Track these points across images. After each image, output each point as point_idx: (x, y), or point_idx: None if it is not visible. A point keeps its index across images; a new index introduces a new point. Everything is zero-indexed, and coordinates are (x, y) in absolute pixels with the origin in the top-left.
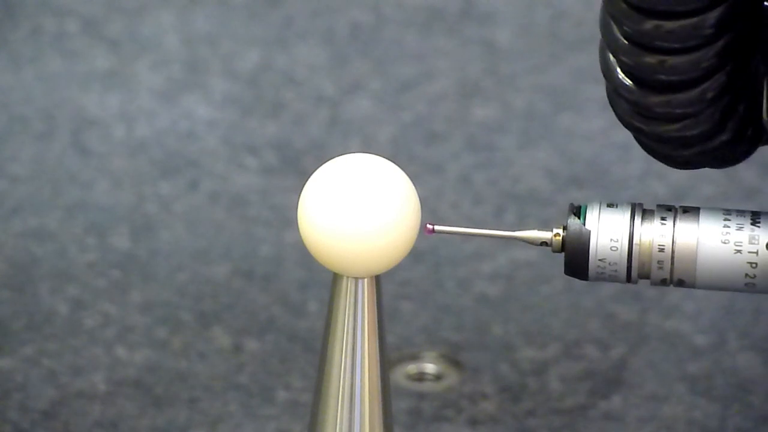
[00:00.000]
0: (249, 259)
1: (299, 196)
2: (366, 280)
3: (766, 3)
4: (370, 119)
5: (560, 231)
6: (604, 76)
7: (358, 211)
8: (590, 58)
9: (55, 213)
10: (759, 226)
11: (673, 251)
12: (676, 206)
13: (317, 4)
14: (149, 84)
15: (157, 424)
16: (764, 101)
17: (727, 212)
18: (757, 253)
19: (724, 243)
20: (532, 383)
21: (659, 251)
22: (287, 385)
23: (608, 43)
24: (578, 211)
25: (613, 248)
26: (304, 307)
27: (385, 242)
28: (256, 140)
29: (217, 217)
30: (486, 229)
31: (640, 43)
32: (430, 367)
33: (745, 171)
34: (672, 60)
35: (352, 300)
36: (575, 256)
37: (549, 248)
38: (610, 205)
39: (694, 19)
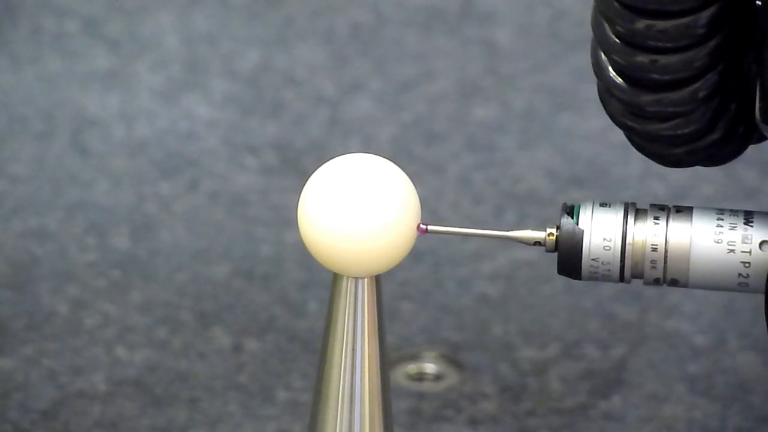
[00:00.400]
0: (249, 259)
1: (299, 196)
2: (366, 280)
3: (758, 2)
4: (370, 119)
5: (554, 230)
6: (596, 74)
7: (358, 211)
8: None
9: (55, 213)
10: (752, 226)
11: (666, 251)
12: (669, 206)
13: (317, 4)
14: (149, 84)
15: (157, 424)
16: (757, 101)
17: (720, 212)
18: (750, 252)
19: (717, 242)
20: (532, 383)
21: (652, 251)
22: (287, 385)
23: (600, 42)
24: (571, 211)
25: (606, 248)
26: (304, 307)
27: (385, 242)
28: (256, 140)
29: (217, 217)
30: (480, 228)
31: (632, 42)
32: (430, 367)
33: (745, 171)
34: (664, 59)
35: (352, 300)
36: (568, 256)
37: (543, 248)
38: (603, 205)
39: (687, 19)
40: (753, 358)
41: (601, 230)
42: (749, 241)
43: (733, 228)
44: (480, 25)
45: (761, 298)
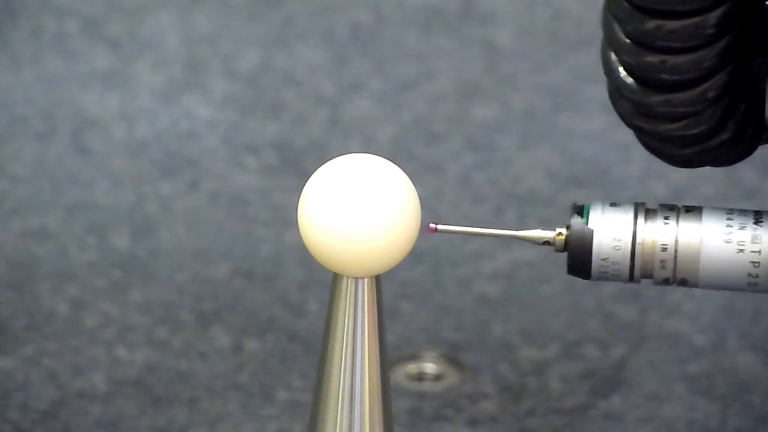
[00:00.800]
0: (249, 259)
1: (299, 196)
2: (366, 280)
3: (767, 3)
4: (370, 119)
5: (563, 230)
6: (606, 75)
7: (358, 211)
8: (590, 58)
9: (55, 213)
10: (762, 226)
11: (676, 251)
12: (679, 206)
13: (317, 4)
14: (149, 84)
15: (157, 424)
16: (766, 101)
17: (730, 212)
18: (759, 252)
19: (727, 242)
20: (532, 383)
21: (662, 250)
22: (287, 385)
23: (610, 43)
24: (581, 211)
25: (616, 247)
26: (304, 307)
27: (385, 242)
28: (256, 140)
29: (217, 217)
30: (489, 228)
31: (642, 43)
32: (430, 367)
33: (745, 171)
34: (674, 59)
35: (352, 300)
36: (578, 256)
37: (551, 247)
38: (613, 205)
39: (696, 19)
40: (753, 358)
41: (610, 230)
42: (759, 241)
43: (742, 228)
44: (480, 25)
45: (763, 298)
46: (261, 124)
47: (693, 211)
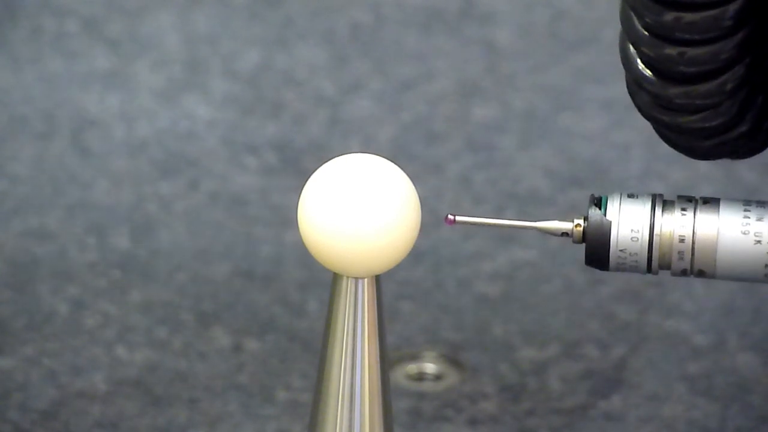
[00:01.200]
0: (249, 259)
1: (299, 196)
2: (366, 280)
3: None
4: (370, 119)
5: (581, 221)
6: (624, 67)
7: (358, 211)
8: (590, 58)
9: (55, 213)
10: None
11: (693, 242)
12: (697, 197)
13: (317, 4)
14: (149, 84)
15: (157, 424)
16: None
17: (747, 203)
18: None
19: (744, 234)
20: (532, 383)
21: (680, 242)
22: (287, 385)
23: (629, 35)
24: (599, 202)
25: (634, 239)
26: (304, 307)
27: (385, 242)
28: (256, 140)
29: (217, 217)
30: (507, 219)
31: (661, 35)
32: (430, 367)
33: (746, 171)
34: (692, 51)
35: (352, 300)
36: (596, 247)
37: (570, 239)
38: (630, 196)
39: (715, 11)
40: (753, 358)
41: (628, 221)
42: None
43: (759, 219)
44: (480, 25)
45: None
46: (261, 124)
47: (710, 202)
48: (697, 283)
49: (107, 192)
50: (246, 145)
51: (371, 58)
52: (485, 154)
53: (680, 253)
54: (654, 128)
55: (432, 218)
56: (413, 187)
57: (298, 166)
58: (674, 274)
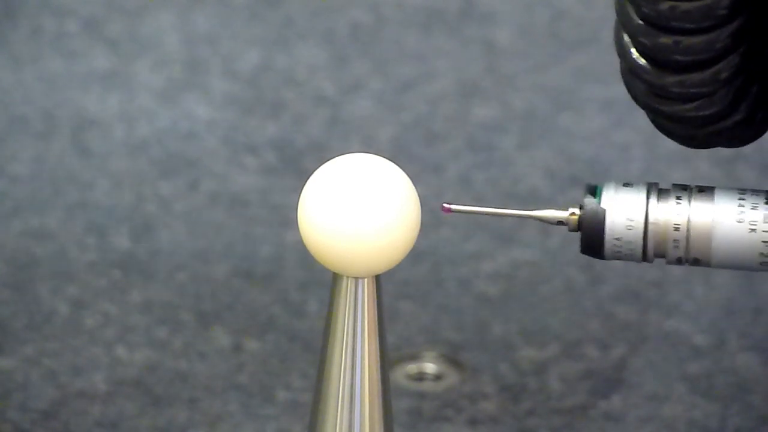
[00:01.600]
0: (249, 259)
1: (299, 196)
2: (366, 280)
3: None
4: (370, 119)
5: (576, 210)
6: (619, 56)
7: (358, 211)
8: (590, 58)
9: (55, 213)
10: None
11: (688, 230)
12: (692, 186)
13: (317, 4)
14: (149, 84)
15: (157, 424)
16: None
17: (742, 191)
18: None
19: (739, 222)
20: (532, 383)
21: (675, 230)
22: (287, 385)
23: (624, 24)
24: (594, 191)
25: (629, 227)
26: (304, 307)
27: (385, 242)
28: (256, 140)
29: (217, 217)
30: (503, 208)
31: (656, 24)
32: (430, 367)
33: (745, 171)
34: (687, 40)
35: (352, 300)
36: (591, 235)
37: (565, 227)
38: (626, 185)
39: (710, 0)
40: (753, 358)
41: (623, 210)
42: None
43: (754, 207)
44: (480, 25)
45: (761, 298)
46: (261, 124)
47: (705, 191)
48: (697, 283)
49: (107, 192)
50: (246, 145)
51: (371, 58)
52: (485, 154)
53: (675, 241)
54: (649, 117)
55: (432, 218)
56: (413, 187)
57: (298, 166)
58: (669, 263)
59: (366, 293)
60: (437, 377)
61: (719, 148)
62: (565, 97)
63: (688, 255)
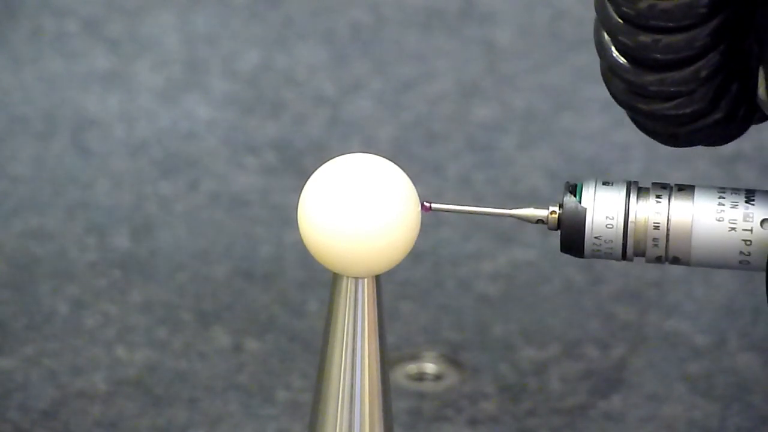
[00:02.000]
0: (249, 259)
1: (299, 196)
2: (366, 280)
3: None
4: (370, 119)
5: (556, 209)
6: (599, 54)
7: (358, 211)
8: (590, 58)
9: (55, 213)
10: (753, 204)
11: (668, 229)
12: (671, 184)
13: (317, 4)
14: (149, 84)
15: (157, 424)
16: (759, 81)
17: (722, 190)
18: (751, 230)
19: (719, 221)
20: (532, 383)
21: (654, 229)
22: (287, 385)
23: (603, 22)
24: (574, 189)
25: (609, 226)
26: (304, 307)
27: (385, 242)
28: (256, 140)
29: (217, 217)
30: (483, 206)
31: (635, 22)
32: (430, 367)
33: (745, 171)
34: (666, 39)
35: (352, 300)
36: (571, 234)
37: (545, 225)
38: (605, 183)
39: None
40: (753, 358)
41: (603, 208)
42: (750, 219)
43: (734, 206)
44: (480, 25)
45: (761, 298)
46: (261, 124)
47: (685, 189)
48: (697, 283)
49: (107, 192)
50: (246, 145)
51: (371, 58)
52: (485, 154)
53: (655, 240)
54: (629, 116)
55: (432, 218)
56: (413, 187)
57: (298, 166)
58: (648, 261)
59: (366, 293)
60: (437, 377)
61: (719, 148)
62: (565, 97)
63: (668, 254)
